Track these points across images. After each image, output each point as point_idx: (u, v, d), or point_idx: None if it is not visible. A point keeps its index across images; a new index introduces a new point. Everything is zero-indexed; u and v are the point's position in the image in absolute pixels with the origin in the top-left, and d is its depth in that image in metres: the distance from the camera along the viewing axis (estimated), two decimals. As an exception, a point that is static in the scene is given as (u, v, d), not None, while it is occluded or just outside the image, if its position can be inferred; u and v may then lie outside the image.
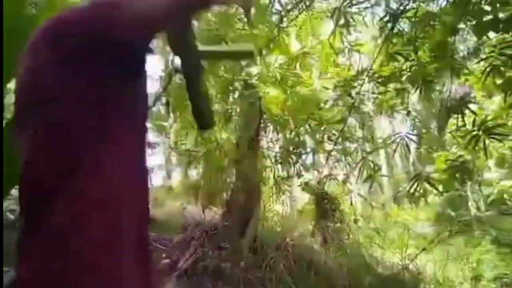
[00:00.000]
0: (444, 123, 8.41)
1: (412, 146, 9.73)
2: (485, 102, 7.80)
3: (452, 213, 8.32)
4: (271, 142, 5.82)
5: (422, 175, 4.79)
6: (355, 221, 6.43)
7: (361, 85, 4.58)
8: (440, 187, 7.47)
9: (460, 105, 6.76)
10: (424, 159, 8.58)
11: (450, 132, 6.98)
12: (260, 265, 4.52)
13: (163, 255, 4.47)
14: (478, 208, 9.41)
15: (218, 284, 4.12)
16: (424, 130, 6.67)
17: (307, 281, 4.51)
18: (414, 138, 5.52)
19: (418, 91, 5.17)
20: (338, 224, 6.06)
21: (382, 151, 9.63)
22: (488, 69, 4.64)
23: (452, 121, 6.86)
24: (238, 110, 5.28)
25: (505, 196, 7.82)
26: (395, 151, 4.97)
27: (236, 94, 5.07)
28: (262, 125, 5.46)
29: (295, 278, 4.47)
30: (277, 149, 6.05)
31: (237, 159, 4.90)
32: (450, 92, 6.40)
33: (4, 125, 1.37)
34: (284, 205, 7.11)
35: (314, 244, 5.79)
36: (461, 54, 6.63)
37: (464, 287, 5.81)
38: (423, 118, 9.26)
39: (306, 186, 6.21)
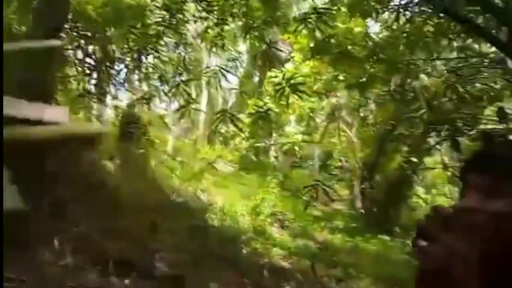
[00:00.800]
0: (263, 73, 9.12)
1: (234, 94, 10.32)
2: (303, 65, 8.66)
3: (254, 158, 9.25)
4: (81, 49, 5.13)
5: (226, 112, 5.00)
6: (153, 144, 6.32)
7: (183, 2, 4.37)
8: (247, 133, 8.16)
9: (278, 59, 7.35)
10: (240, 103, 9.17)
11: (264, 83, 7.56)
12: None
13: None
14: (276, 157, 10.78)
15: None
16: (243, 73, 6.94)
17: (94, 200, 4.28)
18: (233, 77, 5.63)
19: (243, 33, 5.26)
20: (142, 150, 5.92)
21: (205, 92, 9.78)
22: (301, 28, 5.03)
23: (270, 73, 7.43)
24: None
25: (296, 148, 9.08)
26: (208, 83, 4.97)
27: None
28: (70, 26, 4.70)
29: (79, 197, 4.18)
30: (88, 59, 5.39)
31: (28, 53, 4.08)
32: (274, 45, 6.76)
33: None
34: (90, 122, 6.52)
35: (111, 166, 5.53)
36: (293, 15, 7.07)
37: (244, 218, 6.57)
38: (247, 66, 9.83)
39: (115, 106, 5.81)
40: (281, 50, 6.64)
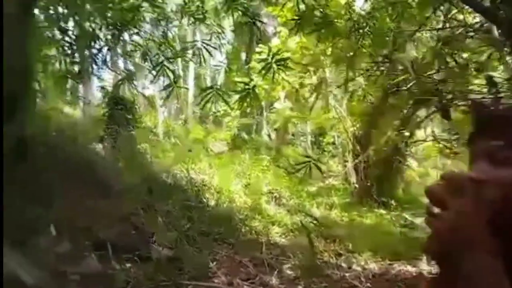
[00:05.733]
0: (249, 50, 8.88)
1: (222, 72, 10.06)
2: (289, 40, 8.46)
3: (246, 136, 9.11)
4: (59, 27, 4.84)
5: (215, 89, 4.79)
6: (142, 126, 6.13)
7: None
8: (237, 111, 7.97)
9: (264, 34, 7.11)
10: (228, 81, 8.97)
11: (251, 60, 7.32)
12: (26, 162, 3.83)
13: None
14: (269, 135, 10.68)
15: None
16: (230, 50, 6.69)
17: (82, 182, 4.11)
18: (218, 55, 5.38)
19: (224, 6, 5.00)
20: (132, 132, 5.73)
21: (192, 70, 9.53)
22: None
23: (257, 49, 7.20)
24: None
25: (289, 125, 8.94)
26: (191, 59, 4.71)
27: None
28: (44, 3, 4.42)
29: (71, 182, 4.00)
30: (67, 39, 5.10)
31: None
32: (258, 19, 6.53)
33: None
34: (76, 106, 6.29)
35: (101, 149, 5.35)
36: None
37: (240, 197, 6.47)
38: (234, 42, 9.59)
39: (101, 87, 5.58)
40: (263, 22, 6.36)
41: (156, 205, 4.69)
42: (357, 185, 9.84)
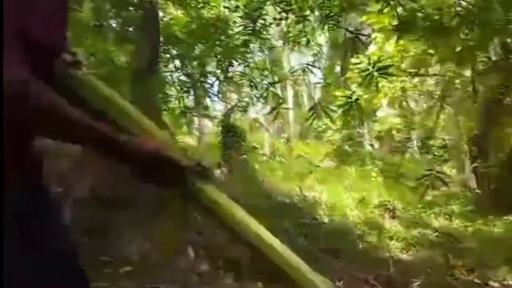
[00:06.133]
0: (344, 61, 8.77)
1: (318, 87, 10.12)
2: (386, 44, 8.20)
3: (349, 149, 8.97)
4: (174, 69, 5.45)
5: (318, 106, 4.87)
6: (252, 148, 6.45)
7: (262, 8, 4.38)
8: (339, 123, 7.89)
9: (363, 43, 6.99)
10: (326, 96, 8.98)
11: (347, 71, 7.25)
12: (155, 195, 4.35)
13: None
14: (372, 145, 10.33)
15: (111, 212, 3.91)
16: (326, 64, 6.73)
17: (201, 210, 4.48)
18: (315, 70, 5.50)
19: (321, 24, 5.08)
20: (244, 156, 6.10)
21: (290, 89, 9.77)
22: (384, 7, 4.72)
23: (354, 60, 7.11)
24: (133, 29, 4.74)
25: (393, 132, 8.57)
26: (296, 82, 4.90)
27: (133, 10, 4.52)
28: (163, 49, 5.02)
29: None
30: (183, 77, 5.71)
31: (133, 84, 4.44)
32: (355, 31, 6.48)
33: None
34: (192, 136, 6.94)
35: (220, 175, 5.79)
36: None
37: (352, 212, 6.38)
38: (328, 56, 9.60)
39: (214, 117, 6.09)
40: (364, 35, 6.27)
41: (274, 224, 4.88)
42: (478, 191, 8.95)
